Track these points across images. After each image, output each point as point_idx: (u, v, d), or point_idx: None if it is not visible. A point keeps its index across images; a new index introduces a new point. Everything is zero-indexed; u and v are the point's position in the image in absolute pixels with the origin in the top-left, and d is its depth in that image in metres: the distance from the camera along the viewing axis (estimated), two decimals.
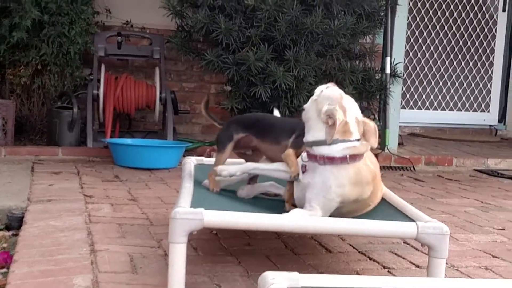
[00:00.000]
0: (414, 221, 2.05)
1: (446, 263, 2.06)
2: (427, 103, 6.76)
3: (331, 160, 2.02)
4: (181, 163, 3.53)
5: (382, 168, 4.86)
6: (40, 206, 3.00)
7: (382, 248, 2.65)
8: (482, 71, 6.86)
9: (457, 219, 3.27)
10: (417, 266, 2.43)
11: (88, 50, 4.89)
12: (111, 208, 3.05)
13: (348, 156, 2.02)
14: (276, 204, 2.29)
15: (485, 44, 6.83)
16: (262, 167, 2.28)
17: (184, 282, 1.92)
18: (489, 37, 6.83)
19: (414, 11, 6.58)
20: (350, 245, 2.65)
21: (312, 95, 2.23)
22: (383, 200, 2.45)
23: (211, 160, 3.08)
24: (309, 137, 2.08)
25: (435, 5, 6.67)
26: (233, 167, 2.27)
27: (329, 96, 2.08)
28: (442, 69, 6.76)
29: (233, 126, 2.42)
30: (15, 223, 2.84)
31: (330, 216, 2.06)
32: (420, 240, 1.98)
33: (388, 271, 2.36)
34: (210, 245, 2.52)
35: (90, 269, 2.13)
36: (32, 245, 2.36)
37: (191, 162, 2.85)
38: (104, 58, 4.96)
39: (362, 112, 5.85)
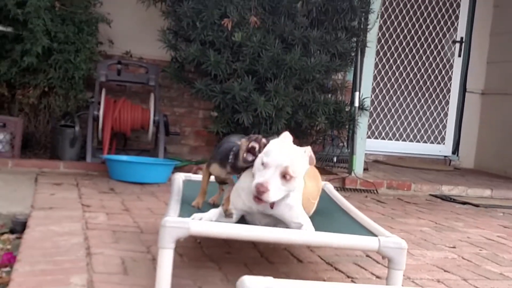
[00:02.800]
0: (376, 236, 2.08)
1: (403, 275, 2.07)
2: (390, 134, 6.82)
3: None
4: (170, 179, 3.53)
5: (349, 190, 4.90)
6: (42, 213, 2.98)
7: (347, 260, 2.66)
8: (439, 108, 6.95)
9: (414, 237, 3.30)
10: (377, 277, 2.44)
11: (91, 76, 4.89)
12: (106, 217, 3.04)
13: None
14: None
15: (442, 84, 6.94)
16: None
17: (170, 283, 1.92)
18: (445, 78, 6.94)
19: (381, 53, 6.67)
20: (318, 256, 2.66)
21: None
22: (349, 217, 2.49)
23: (198, 177, 3.09)
24: None
25: (399, 49, 6.78)
26: (208, 214, 2.14)
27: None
28: (404, 105, 6.84)
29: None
30: (19, 227, 2.81)
31: None
32: (381, 253, 2.01)
33: (352, 281, 2.37)
34: (194, 252, 2.52)
35: (86, 269, 2.12)
36: (34, 247, 2.34)
37: (179, 178, 2.86)
38: (105, 83, 4.96)
39: (333, 140, 5.88)
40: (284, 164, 1.98)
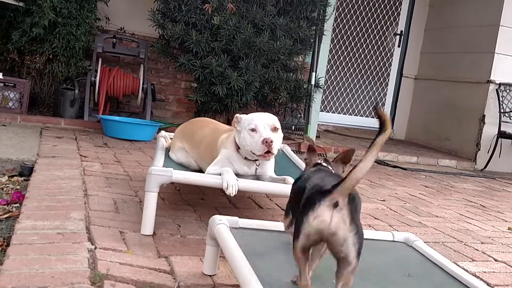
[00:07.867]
0: None
1: None
2: (339, 109, 6.91)
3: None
4: (155, 138, 3.53)
5: (303, 153, 4.96)
6: (46, 160, 2.98)
7: None
8: (380, 89, 7.05)
9: None
10: None
11: (90, 47, 4.82)
12: (101, 166, 3.05)
13: None
14: None
15: (383, 69, 7.03)
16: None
17: (153, 221, 1.97)
18: (386, 64, 7.03)
19: (335, 41, 6.71)
20: (276, 204, 2.74)
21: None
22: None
23: None
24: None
25: (350, 38, 6.82)
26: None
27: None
28: (352, 85, 6.92)
29: None
30: (26, 172, 2.81)
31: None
32: None
33: None
34: (174, 197, 2.57)
35: (83, 207, 2.14)
36: (40, 188, 2.35)
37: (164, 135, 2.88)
38: (101, 54, 4.89)
39: (292, 111, 5.90)
40: (270, 122, 2.03)
